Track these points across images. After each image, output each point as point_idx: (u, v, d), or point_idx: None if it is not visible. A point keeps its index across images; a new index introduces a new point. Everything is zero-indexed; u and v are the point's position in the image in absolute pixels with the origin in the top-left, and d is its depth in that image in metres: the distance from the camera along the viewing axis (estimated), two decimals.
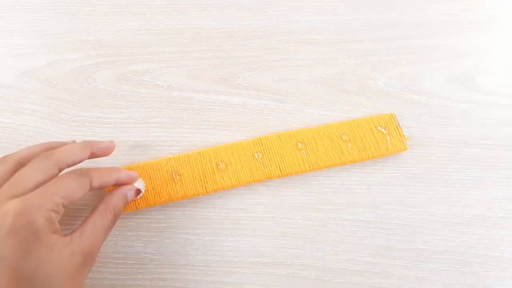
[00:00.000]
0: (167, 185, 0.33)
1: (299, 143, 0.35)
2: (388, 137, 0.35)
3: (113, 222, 0.28)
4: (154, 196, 0.33)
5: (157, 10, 0.42)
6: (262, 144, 0.35)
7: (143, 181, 0.33)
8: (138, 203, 0.33)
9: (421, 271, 0.32)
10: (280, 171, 0.34)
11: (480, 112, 0.38)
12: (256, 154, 0.34)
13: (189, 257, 0.32)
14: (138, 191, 0.31)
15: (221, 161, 0.34)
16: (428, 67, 0.40)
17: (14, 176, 0.25)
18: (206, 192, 0.33)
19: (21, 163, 0.26)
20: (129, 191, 0.30)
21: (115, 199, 0.29)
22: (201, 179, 0.33)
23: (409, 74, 0.39)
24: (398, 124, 0.36)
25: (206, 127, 0.37)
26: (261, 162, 0.34)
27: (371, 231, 0.33)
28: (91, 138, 0.36)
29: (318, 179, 0.35)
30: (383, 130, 0.36)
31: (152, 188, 0.33)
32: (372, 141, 0.35)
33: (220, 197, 0.34)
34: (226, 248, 0.33)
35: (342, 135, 0.35)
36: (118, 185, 0.31)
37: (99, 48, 0.40)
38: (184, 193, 0.33)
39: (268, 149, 0.35)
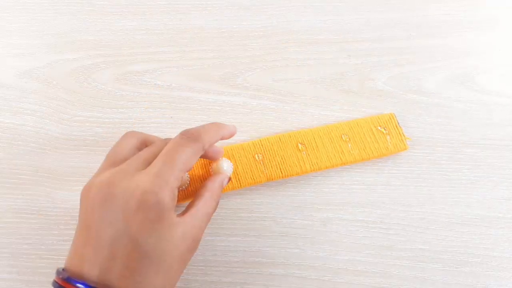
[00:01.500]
0: None
1: (299, 144, 0.35)
2: (388, 137, 0.35)
3: (215, 210, 0.28)
4: None
5: (157, 10, 0.42)
6: (262, 145, 0.35)
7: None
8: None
9: (421, 271, 0.32)
10: (281, 172, 0.34)
11: (480, 112, 0.38)
12: (256, 156, 0.34)
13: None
14: (229, 179, 0.31)
15: None
16: (428, 67, 0.40)
17: (144, 150, 0.26)
18: None
19: (145, 142, 0.28)
20: (225, 179, 0.30)
21: (217, 187, 0.28)
22: (201, 182, 0.33)
23: (409, 74, 0.39)
24: (398, 123, 0.36)
25: None
26: (261, 163, 0.34)
27: (371, 231, 0.33)
28: (91, 138, 0.36)
29: (318, 179, 0.35)
30: (383, 129, 0.36)
31: None
32: (372, 141, 0.35)
33: None
34: (226, 248, 0.33)
35: (342, 135, 0.35)
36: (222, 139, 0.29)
37: (99, 48, 0.40)
38: (187, 195, 0.33)
39: (269, 150, 0.35)
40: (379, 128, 0.36)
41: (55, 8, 0.42)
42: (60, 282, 0.23)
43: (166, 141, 0.27)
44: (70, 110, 0.37)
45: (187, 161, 0.25)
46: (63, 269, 0.24)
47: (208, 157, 0.31)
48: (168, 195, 0.23)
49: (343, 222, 0.34)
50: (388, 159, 0.36)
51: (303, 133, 0.35)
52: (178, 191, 0.31)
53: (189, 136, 0.26)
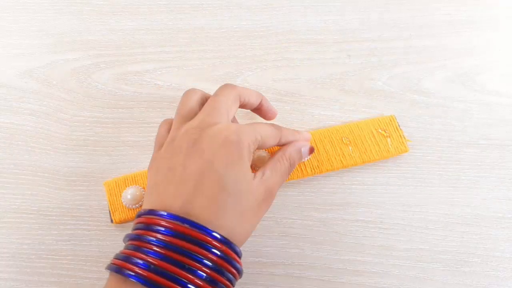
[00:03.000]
0: None
1: None
2: (388, 139, 0.35)
3: (289, 170, 0.29)
4: None
5: (157, 10, 0.42)
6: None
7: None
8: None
9: (421, 271, 0.32)
10: None
11: (480, 112, 0.38)
12: None
13: None
14: (312, 149, 0.32)
15: None
16: (428, 67, 0.40)
17: (208, 103, 0.28)
18: None
19: (206, 97, 0.30)
20: (303, 147, 0.31)
21: (291, 149, 0.30)
22: None
23: (409, 74, 0.39)
24: (399, 125, 0.36)
25: None
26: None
27: (371, 231, 0.33)
28: (91, 138, 0.36)
29: (318, 179, 0.35)
30: (383, 132, 0.36)
31: None
32: (373, 144, 0.35)
33: None
34: None
35: (343, 138, 0.35)
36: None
37: (99, 48, 0.40)
38: None
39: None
40: (379, 130, 0.36)
41: (55, 8, 0.42)
42: (142, 221, 0.24)
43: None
44: (70, 110, 0.37)
45: (267, 132, 0.28)
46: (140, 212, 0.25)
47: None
48: (247, 140, 0.26)
49: (343, 222, 0.34)
50: (388, 159, 0.36)
51: None
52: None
53: (275, 125, 0.29)
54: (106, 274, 0.32)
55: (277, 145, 0.30)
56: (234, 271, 0.24)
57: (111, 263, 0.24)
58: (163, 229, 0.23)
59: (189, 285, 0.22)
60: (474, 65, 0.40)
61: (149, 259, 0.22)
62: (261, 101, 0.32)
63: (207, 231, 0.23)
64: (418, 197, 0.34)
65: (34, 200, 0.34)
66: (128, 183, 0.33)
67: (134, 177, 0.34)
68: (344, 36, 0.41)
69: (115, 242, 0.33)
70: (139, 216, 0.25)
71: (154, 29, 0.41)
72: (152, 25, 0.41)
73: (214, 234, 0.23)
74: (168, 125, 0.29)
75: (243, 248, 0.33)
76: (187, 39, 0.41)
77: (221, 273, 0.23)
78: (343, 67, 0.40)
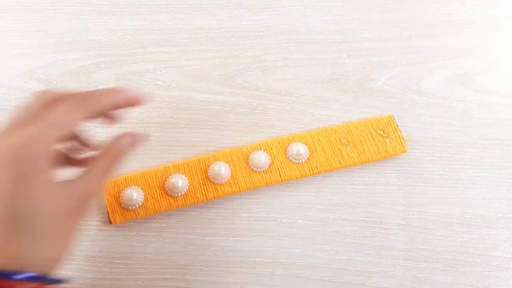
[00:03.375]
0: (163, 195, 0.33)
1: None
2: (387, 140, 0.35)
3: (96, 183, 0.24)
4: (154, 205, 0.33)
5: (157, 10, 0.42)
6: (261, 149, 0.35)
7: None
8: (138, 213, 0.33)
9: (421, 271, 0.32)
10: (280, 176, 0.34)
11: (480, 112, 0.38)
12: None
13: (189, 257, 0.32)
14: (134, 143, 0.27)
15: None
16: (428, 67, 0.40)
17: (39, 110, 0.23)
18: (206, 200, 0.33)
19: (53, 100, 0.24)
20: (124, 138, 0.27)
21: (113, 146, 0.26)
22: (201, 186, 0.33)
23: (409, 74, 0.39)
24: (397, 126, 0.36)
25: (206, 127, 0.37)
26: None
27: (371, 231, 0.33)
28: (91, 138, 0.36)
29: (318, 179, 0.35)
30: (382, 132, 0.35)
31: (152, 197, 0.33)
32: (371, 144, 0.35)
33: None
34: (226, 248, 0.33)
35: (341, 139, 0.35)
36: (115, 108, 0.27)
37: (99, 48, 0.40)
38: (184, 202, 0.33)
39: (268, 154, 0.34)
40: (378, 131, 0.36)
41: (55, 8, 0.42)
42: None
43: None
44: None
45: (66, 122, 0.23)
46: None
47: (108, 117, 0.28)
48: (42, 150, 0.21)
49: (343, 222, 0.34)
50: (388, 159, 0.36)
51: (302, 137, 0.35)
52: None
53: (76, 98, 0.24)
54: (106, 274, 0.32)
55: (90, 119, 0.25)
56: None
57: None
58: None
59: None
60: (474, 65, 0.40)
61: None
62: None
63: (6, 275, 0.19)
64: (418, 197, 0.34)
65: None
66: (126, 184, 0.33)
67: (133, 178, 0.34)
68: (344, 36, 0.41)
69: (115, 242, 0.33)
70: None
71: (154, 29, 0.41)
72: (152, 25, 0.41)
73: (17, 276, 0.19)
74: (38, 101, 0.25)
75: (242, 248, 0.33)
76: (187, 39, 0.41)
77: None
78: (343, 67, 0.40)
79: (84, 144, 0.29)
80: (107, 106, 0.25)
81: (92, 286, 0.32)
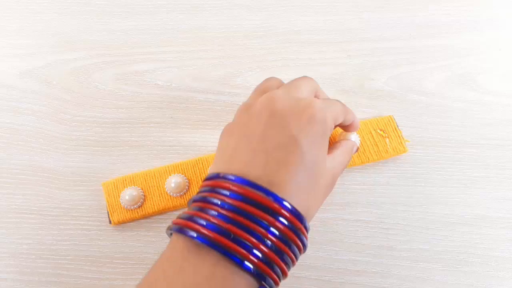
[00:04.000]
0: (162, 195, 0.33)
1: None
2: (387, 140, 0.35)
3: (345, 165, 0.29)
4: (154, 205, 0.33)
5: (157, 10, 0.42)
6: None
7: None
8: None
9: (421, 271, 0.32)
10: None
11: (480, 112, 0.38)
12: None
13: None
14: (357, 149, 0.33)
15: None
16: (428, 67, 0.40)
17: (290, 82, 0.28)
18: None
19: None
20: (354, 146, 0.31)
21: (349, 146, 0.30)
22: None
23: (409, 74, 0.39)
24: (397, 126, 0.36)
25: (206, 127, 0.37)
26: None
27: (371, 231, 0.33)
28: (91, 138, 0.36)
29: None
30: (382, 133, 0.35)
31: (152, 198, 0.33)
32: (371, 144, 0.35)
33: None
34: None
35: None
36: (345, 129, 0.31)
37: (99, 48, 0.40)
38: (184, 202, 0.33)
39: None
40: (378, 131, 0.36)
41: (55, 8, 0.42)
42: (208, 184, 0.23)
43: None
44: (70, 110, 0.37)
45: (339, 115, 0.27)
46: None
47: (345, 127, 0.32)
48: (331, 120, 0.25)
49: (343, 222, 0.34)
50: (388, 159, 0.36)
51: None
52: None
53: (342, 105, 0.28)
54: (106, 274, 0.32)
55: (339, 125, 0.29)
56: (300, 244, 0.23)
57: (172, 223, 0.23)
58: (231, 193, 0.22)
59: (254, 250, 0.21)
60: (474, 65, 0.40)
61: (214, 221, 0.21)
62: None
63: (277, 199, 0.22)
64: (418, 197, 0.34)
65: (34, 200, 0.34)
66: (126, 184, 0.33)
67: (132, 178, 0.34)
68: (344, 36, 0.41)
69: (115, 242, 0.33)
70: (206, 180, 0.24)
71: (154, 29, 0.41)
72: (152, 25, 0.41)
73: (285, 203, 0.22)
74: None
75: None
76: (187, 39, 0.41)
77: (287, 245, 0.22)
78: (343, 67, 0.40)
79: None
80: (348, 122, 0.29)
81: (92, 286, 0.32)
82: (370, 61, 0.40)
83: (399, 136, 0.35)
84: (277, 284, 0.22)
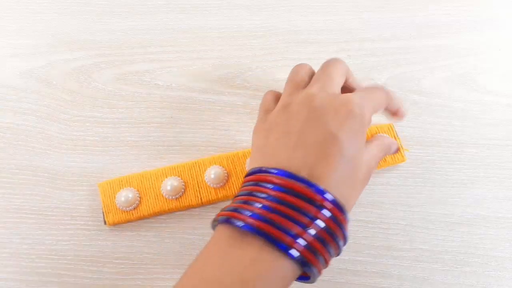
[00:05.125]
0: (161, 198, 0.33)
1: None
2: None
3: (379, 159, 0.29)
4: (149, 207, 0.33)
5: (157, 10, 0.42)
6: None
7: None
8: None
9: (421, 271, 0.32)
10: None
11: (480, 112, 0.38)
12: None
13: (189, 257, 0.32)
14: (398, 150, 0.33)
15: None
16: (428, 67, 0.40)
17: (322, 72, 0.29)
18: (202, 204, 0.33)
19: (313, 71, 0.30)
20: (393, 144, 0.31)
21: (386, 143, 0.30)
22: (197, 190, 0.33)
23: (409, 74, 0.39)
24: (397, 134, 0.36)
25: (206, 127, 0.37)
26: None
27: (371, 231, 0.33)
28: (91, 138, 0.36)
29: None
30: None
31: (147, 200, 0.33)
32: None
33: None
34: None
35: None
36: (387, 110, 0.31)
37: (99, 48, 0.40)
38: (179, 205, 0.33)
39: None
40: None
41: (55, 8, 0.42)
42: (251, 178, 0.24)
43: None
44: (70, 110, 0.37)
45: (380, 103, 0.28)
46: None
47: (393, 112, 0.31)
48: (368, 114, 0.26)
49: None
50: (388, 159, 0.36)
51: None
52: None
53: (386, 91, 0.29)
54: (106, 274, 0.32)
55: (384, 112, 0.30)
56: (343, 235, 0.23)
57: (217, 216, 0.24)
58: (274, 186, 0.23)
59: (299, 239, 0.21)
60: (474, 65, 0.40)
61: (259, 211, 0.22)
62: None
63: (319, 191, 0.22)
64: (418, 197, 0.34)
65: (34, 200, 0.34)
66: (122, 185, 0.33)
67: (129, 179, 0.34)
68: (344, 36, 0.41)
69: (115, 242, 0.33)
70: (248, 175, 0.25)
71: (154, 29, 0.41)
72: (152, 25, 0.41)
73: (327, 195, 0.22)
74: (274, 95, 0.30)
75: None
76: (187, 39, 0.41)
77: (331, 235, 0.22)
78: None
79: None
80: (393, 108, 0.30)
81: (92, 286, 0.32)
82: (370, 61, 0.40)
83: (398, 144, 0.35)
84: (319, 273, 0.23)
